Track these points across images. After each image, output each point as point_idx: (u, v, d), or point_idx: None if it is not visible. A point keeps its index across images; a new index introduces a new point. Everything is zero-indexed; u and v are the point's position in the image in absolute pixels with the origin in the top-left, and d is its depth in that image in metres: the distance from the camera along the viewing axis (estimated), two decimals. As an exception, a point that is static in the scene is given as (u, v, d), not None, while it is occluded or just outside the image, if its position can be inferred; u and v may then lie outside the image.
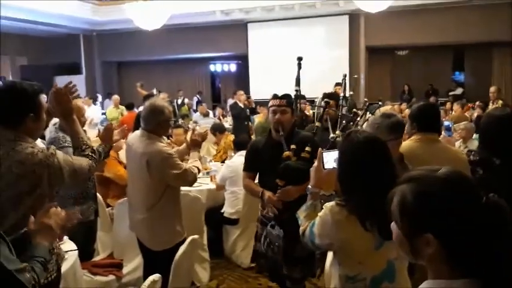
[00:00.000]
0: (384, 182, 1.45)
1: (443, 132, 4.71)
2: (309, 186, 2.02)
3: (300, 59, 3.50)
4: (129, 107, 9.96)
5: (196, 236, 2.85)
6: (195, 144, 3.26)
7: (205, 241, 3.98)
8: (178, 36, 14.00)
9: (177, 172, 2.84)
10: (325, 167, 2.00)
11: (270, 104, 2.86)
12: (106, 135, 2.49)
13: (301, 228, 1.95)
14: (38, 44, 15.48)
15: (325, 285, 2.57)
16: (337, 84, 6.54)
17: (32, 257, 1.52)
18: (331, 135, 3.29)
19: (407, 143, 2.55)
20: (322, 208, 1.85)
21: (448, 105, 10.88)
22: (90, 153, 2.17)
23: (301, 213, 2.00)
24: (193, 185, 3.33)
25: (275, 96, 2.88)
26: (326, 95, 4.43)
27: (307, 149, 2.68)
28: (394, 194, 1.06)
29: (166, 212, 2.95)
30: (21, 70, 14.67)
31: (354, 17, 13.07)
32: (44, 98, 2.11)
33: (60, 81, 13.68)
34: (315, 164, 2.02)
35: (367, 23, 12.97)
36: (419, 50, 14.43)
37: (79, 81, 14.51)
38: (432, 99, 12.16)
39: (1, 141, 1.94)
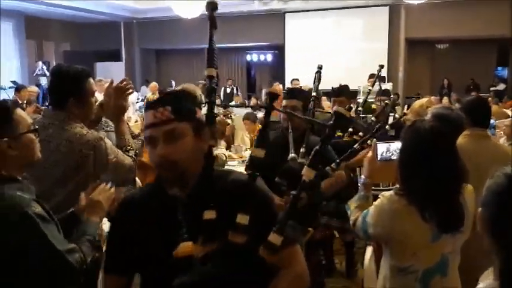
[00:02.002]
0: (448, 173, 1.43)
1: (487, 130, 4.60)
2: (362, 177, 1.98)
3: (320, 67, 2.82)
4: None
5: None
6: (218, 132, 3.32)
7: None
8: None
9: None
10: (379, 158, 1.97)
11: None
12: None
13: (351, 218, 1.92)
14: (81, 30, 15.92)
15: (364, 280, 2.56)
16: (371, 76, 5.84)
17: (81, 235, 1.56)
18: (291, 155, 2.44)
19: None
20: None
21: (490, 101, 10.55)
22: (133, 156, 2.17)
23: (352, 204, 1.97)
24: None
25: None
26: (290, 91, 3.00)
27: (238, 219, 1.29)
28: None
29: None
30: (64, 55, 15.12)
31: (394, 9, 12.80)
32: (90, 82, 2.12)
33: (101, 67, 14.10)
34: (369, 154, 1.97)
35: (407, 15, 12.69)
36: (461, 44, 14.01)
37: (118, 68, 14.90)
38: (473, 94, 11.83)
39: (52, 120, 2.03)
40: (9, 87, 11.43)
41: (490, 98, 10.74)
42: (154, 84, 11.51)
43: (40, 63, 13.85)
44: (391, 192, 1.77)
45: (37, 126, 1.63)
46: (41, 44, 14.90)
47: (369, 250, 2.54)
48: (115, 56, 15.93)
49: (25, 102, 7.86)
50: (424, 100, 4.30)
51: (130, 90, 2.30)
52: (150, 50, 17.00)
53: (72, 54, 14.74)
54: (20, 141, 1.50)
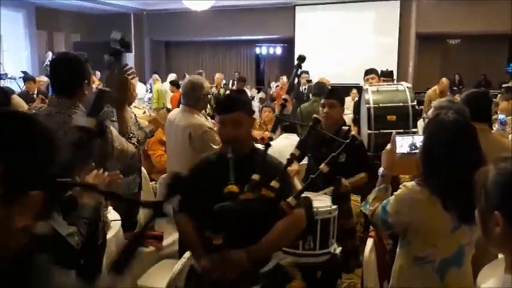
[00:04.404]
0: (470, 164, 1.45)
1: (496, 126, 4.57)
2: (381, 169, 2.00)
3: (300, 59, 2.24)
4: (175, 84, 10.02)
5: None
6: None
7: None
8: (225, 17, 14.06)
9: (215, 147, 2.96)
10: (398, 150, 1.98)
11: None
12: (156, 120, 2.61)
13: (370, 209, 1.94)
14: (91, 21, 15.96)
15: (364, 273, 2.56)
16: (368, 72, 5.14)
17: (78, 218, 1.61)
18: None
19: None
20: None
21: (498, 97, 10.44)
22: (135, 143, 2.23)
23: (370, 196, 2.00)
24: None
25: None
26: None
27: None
28: (481, 174, 1.09)
29: None
30: (74, 46, 15.18)
31: (406, 3, 12.69)
32: (89, 66, 2.18)
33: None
34: (388, 146, 1.99)
35: (418, 9, 12.57)
36: (472, 39, 13.85)
37: (128, 59, 14.89)
38: (483, 90, 11.70)
39: (58, 109, 2.05)
40: (20, 77, 11.52)
41: (500, 95, 10.65)
42: (155, 76, 11.51)
43: (50, 53, 13.91)
44: (413, 182, 1.81)
45: (41, 114, 1.63)
46: (51, 34, 14.97)
47: (370, 242, 2.53)
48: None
49: (35, 93, 7.91)
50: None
51: (132, 76, 2.37)
52: (159, 42, 17.02)
53: (82, 45, 14.78)
54: None
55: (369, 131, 3.60)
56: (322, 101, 3.17)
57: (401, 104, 3.64)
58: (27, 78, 8.93)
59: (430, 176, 1.74)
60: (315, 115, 2.04)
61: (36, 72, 12.07)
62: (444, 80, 8.74)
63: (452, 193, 1.67)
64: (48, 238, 1.44)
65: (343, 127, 3.14)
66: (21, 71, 12.15)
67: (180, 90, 3.56)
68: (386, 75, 5.71)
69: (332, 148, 2.21)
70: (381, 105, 3.63)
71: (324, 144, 2.93)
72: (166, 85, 10.84)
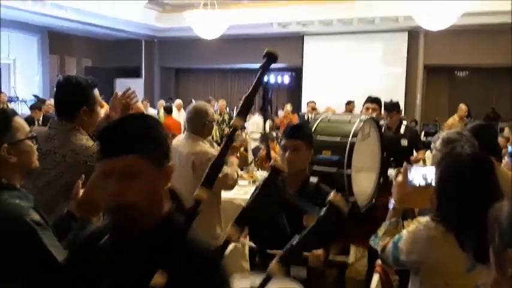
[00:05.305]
0: (489, 200, 1.40)
1: (506, 158, 4.51)
2: (392, 202, 1.94)
3: (268, 55, 1.58)
4: (166, 109, 10.00)
5: (237, 244, 2.87)
6: (233, 151, 3.31)
7: (246, 251, 4.01)
8: (235, 46, 14.24)
9: (220, 175, 2.92)
10: (410, 183, 1.91)
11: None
12: None
13: (380, 244, 1.87)
14: (103, 47, 16.25)
15: None
16: (368, 101, 4.30)
17: (75, 236, 1.52)
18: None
19: None
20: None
21: (506, 130, 10.38)
22: None
23: (380, 230, 1.93)
24: (239, 193, 3.39)
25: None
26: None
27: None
28: (495, 210, 1.05)
29: (207, 214, 3.02)
30: (85, 71, 15.41)
31: (413, 34, 12.79)
32: (96, 92, 2.17)
33: (121, 83, 14.31)
34: (399, 178, 1.93)
35: (426, 41, 12.66)
36: (481, 71, 13.88)
37: (138, 85, 15.11)
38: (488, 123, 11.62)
39: (58, 131, 2.04)
40: (30, 100, 11.68)
41: (507, 128, 10.58)
42: (179, 101, 11.57)
43: (61, 77, 14.13)
44: (427, 218, 1.73)
45: (41, 136, 1.62)
46: (64, 59, 15.22)
47: (375, 278, 2.46)
48: (135, 73, 16.18)
49: (40, 119, 7.99)
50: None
51: (135, 100, 2.33)
52: (169, 69, 17.23)
53: (93, 70, 15.02)
54: (19, 148, 1.52)
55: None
56: (283, 141, 2.32)
57: (338, 138, 2.88)
58: (33, 106, 9.03)
59: (446, 212, 1.68)
60: (273, 162, 1.50)
61: (46, 96, 12.23)
62: (462, 106, 8.71)
63: (469, 230, 1.60)
64: (42, 263, 1.40)
65: (311, 179, 2.32)
66: (33, 95, 12.32)
67: (185, 116, 3.54)
68: (390, 107, 4.56)
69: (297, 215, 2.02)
70: (318, 137, 2.90)
71: (286, 206, 2.19)
72: (174, 110, 10.92)
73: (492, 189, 1.64)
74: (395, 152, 3.95)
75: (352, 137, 2.80)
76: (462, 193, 1.66)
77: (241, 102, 1.40)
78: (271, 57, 1.50)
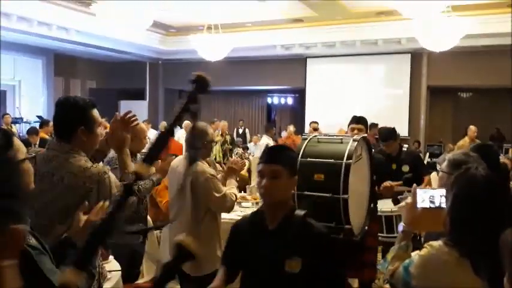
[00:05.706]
0: (505, 224, 1.36)
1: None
2: (402, 225, 1.90)
3: (197, 82, 1.31)
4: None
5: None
6: (232, 172, 3.28)
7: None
8: (238, 68, 14.34)
9: (217, 195, 2.91)
10: (419, 205, 1.86)
11: None
12: (163, 168, 2.60)
13: (389, 268, 1.81)
14: (107, 69, 16.41)
15: None
16: (353, 121, 3.95)
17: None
18: None
19: None
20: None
21: (511, 151, 10.33)
22: (135, 190, 2.18)
23: (389, 254, 1.87)
24: (241, 215, 3.32)
25: None
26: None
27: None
28: (507, 236, 1.01)
29: (207, 236, 2.98)
30: (90, 93, 15.53)
31: (416, 56, 12.85)
32: (96, 112, 2.12)
33: (125, 105, 14.38)
34: (408, 201, 1.88)
35: (429, 63, 12.71)
36: (484, 93, 13.88)
37: (142, 107, 15.19)
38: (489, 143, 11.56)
39: (56, 153, 2.01)
40: (35, 122, 11.72)
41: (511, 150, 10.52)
42: (187, 122, 11.61)
43: (61, 97, 14.23)
44: (440, 242, 1.67)
45: (39, 158, 1.60)
46: (68, 81, 15.37)
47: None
48: (139, 95, 16.28)
49: (36, 144, 8.01)
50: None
51: (135, 123, 2.33)
52: (174, 90, 17.33)
53: (98, 92, 15.13)
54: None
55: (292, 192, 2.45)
56: (260, 166, 1.92)
57: (332, 160, 2.64)
58: (30, 130, 9.06)
59: (460, 236, 1.62)
60: (179, 240, 1.21)
61: (50, 117, 12.28)
62: (472, 127, 8.75)
63: (484, 256, 1.54)
64: None
65: (297, 212, 1.93)
66: (37, 116, 12.38)
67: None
68: (385, 137, 4.35)
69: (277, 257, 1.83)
70: (308, 159, 2.68)
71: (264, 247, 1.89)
72: (182, 131, 10.93)
73: (506, 211, 1.60)
74: (385, 176, 3.84)
75: (347, 158, 2.58)
76: (476, 215, 1.61)
77: (148, 150, 1.16)
78: (201, 83, 1.17)
